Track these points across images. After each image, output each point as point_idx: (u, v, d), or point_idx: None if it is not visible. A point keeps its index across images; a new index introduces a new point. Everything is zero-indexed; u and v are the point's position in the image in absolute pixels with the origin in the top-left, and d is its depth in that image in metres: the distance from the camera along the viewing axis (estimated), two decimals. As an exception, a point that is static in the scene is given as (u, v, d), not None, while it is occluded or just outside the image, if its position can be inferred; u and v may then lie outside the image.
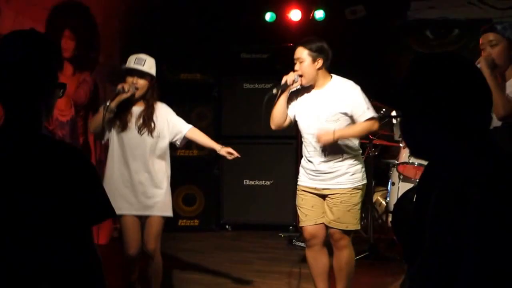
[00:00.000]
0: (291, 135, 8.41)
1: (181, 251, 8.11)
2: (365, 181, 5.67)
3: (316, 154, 5.51)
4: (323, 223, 5.61)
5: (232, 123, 9.33)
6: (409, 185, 7.68)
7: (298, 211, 5.73)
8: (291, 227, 9.02)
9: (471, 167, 2.11)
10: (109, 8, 8.92)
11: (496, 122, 4.62)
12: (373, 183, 8.38)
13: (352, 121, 5.47)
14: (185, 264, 7.58)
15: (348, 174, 5.50)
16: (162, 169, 5.72)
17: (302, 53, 5.41)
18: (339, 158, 5.49)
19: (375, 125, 5.52)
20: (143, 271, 5.88)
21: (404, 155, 7.78)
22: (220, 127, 9.43)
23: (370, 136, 7.99)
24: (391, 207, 7.86)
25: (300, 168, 5.75)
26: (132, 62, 5.54)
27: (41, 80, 2.43)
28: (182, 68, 9.32)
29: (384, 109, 8.12)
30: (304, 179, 5.66)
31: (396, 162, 8.04)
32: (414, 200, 2.49)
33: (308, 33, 9.29)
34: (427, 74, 2.18)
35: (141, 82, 5.55)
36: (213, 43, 9.49)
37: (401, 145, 8.06)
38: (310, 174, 5.59)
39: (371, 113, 5.45)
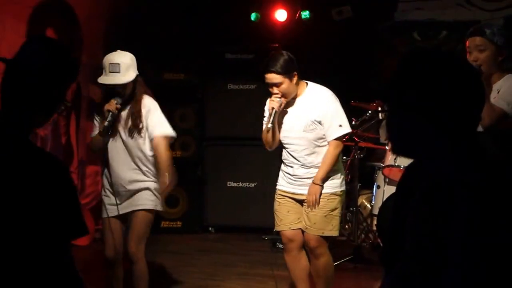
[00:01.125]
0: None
1: (163, 253, 8.05)
2: (343, 188, 5.62)
3: (295, 161, 5.47)
4: (299, 228, 5.53)
5: (216, 124, 9.29)
6: (394, 189, 7.58)
7: (275, 215, 5.66)
8: (274, 230, 8.95)
9: (460, 169, 2.09)
10: (92, 7, 8.86)
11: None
12: (358, 186, 8.34)
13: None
14: (167, 266, 7.51)
15: (326, 180, 5.45)
16: (152, 168, 5.52)
17: (277, 78, 5.24)
18: (318, 165, 5.43)
19: (340, 147, 5.46)
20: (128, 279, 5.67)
21: (390, 158, 7.73)
22: (204, 128, 9.39)
23: (355, 139, 7.96)
24: (376, 211, 7.84)
25: (280, 172, 5.68)
26: (107, 69, 5.27)
27: (49, 92, 2.41)
28: (166, 68, 9.28)
29: (369, 111, 8.08)
30: (282, 183, 5.60)
31: (381, 165, 7.99)
32: (394, 202, 2.44)
33: (294, 34, 9.36)
34: (419, 69, 2.15)
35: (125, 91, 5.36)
36: (197, 43, 9.43)
37: (386, 147, 8.03)
38: (289, 178, 5.53)
39: (342, 131, 5.39)
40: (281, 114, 5.42)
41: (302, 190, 5.45)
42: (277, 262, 7.32)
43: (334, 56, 9.43)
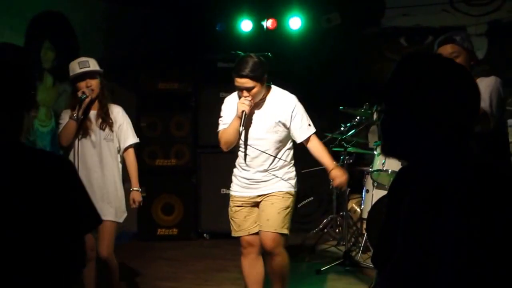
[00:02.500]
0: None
1: (159, 259, 8.16)
2: (296, 189, 5.66)
3: (254, 164, 5.53)
4: (257, 232, 5.58)
5: (210, 132, 9.22)
6: (383, 192, 7.69)
7: (231, 221, 5.69)
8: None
9: (452, 172, 2.13)
10: (88, 18, 8.94)
11: None
12: (348, 191, 8.34)
13: (289, 133, 5.53)
14: (163, 272, 7.61)
15: (282, 180, 5.53)
16: (117, 174, 5.80)
17: (250, 83, 5.28)
18: (276, 167, 5.54)
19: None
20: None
21: (378, 162, 7.78)
22: (197, 136, 9.45)
23: (344, 144, 8.09)
24: (366, 214, 7.86)
25: (233, 177, 5.72)
26: (77, 67, 5.56)
27: (16, 94, 2.40)
28: (160, 77, 9.31)
29: (358, 117, 8.15)
30: (237, 189, 5.64)
31: (370, 169, 8.01)
32: (386, 204, 2.47)
33: (283, 42, 9.46)
34: (416, 71, 2.20)
35: (94, 82, 5.59)
36: (190, 53, 9.54)
37: (375, 152, 8.09)
38: (244, 183, 5.59)
39: (312, 130, 5.54)
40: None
41: (258, 192, 5.55)
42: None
43: (323, 63, 9.49)
